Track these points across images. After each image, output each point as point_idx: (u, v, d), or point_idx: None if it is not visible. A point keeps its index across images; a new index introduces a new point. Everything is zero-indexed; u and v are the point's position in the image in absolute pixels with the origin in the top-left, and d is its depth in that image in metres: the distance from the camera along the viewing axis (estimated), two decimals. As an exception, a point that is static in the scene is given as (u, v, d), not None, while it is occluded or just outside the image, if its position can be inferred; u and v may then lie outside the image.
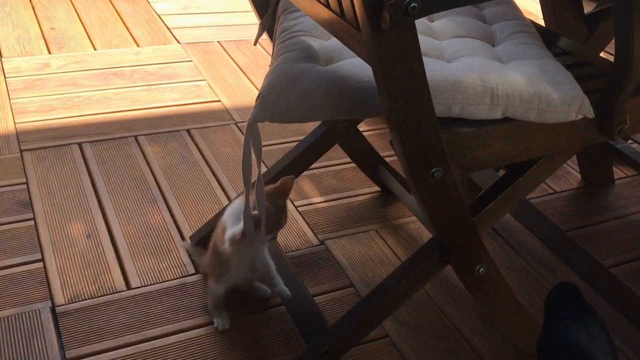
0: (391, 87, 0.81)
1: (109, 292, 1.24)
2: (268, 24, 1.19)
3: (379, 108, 0.90)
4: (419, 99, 0.83)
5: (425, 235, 1.46)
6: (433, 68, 0.93)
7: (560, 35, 1.20)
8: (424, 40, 0.95)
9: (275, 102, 0.94)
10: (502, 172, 1.47)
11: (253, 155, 0.96)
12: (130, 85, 1.95)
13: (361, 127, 1.51)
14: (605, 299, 1.30)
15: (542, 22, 1.37)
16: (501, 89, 0.93)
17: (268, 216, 1.06)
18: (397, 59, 0.79)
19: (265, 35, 1.23)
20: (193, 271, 1.30)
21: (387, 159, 1.58)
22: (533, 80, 0.94)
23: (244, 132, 0.96)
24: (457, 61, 0.99)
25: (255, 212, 1.05)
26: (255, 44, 1.18)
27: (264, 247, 1.14)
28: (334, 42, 1.04)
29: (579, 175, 1.69)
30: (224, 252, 1.12)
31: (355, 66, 0.96)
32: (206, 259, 1.21)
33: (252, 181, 1.01)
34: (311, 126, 1.69)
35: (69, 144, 1.66)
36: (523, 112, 0.94)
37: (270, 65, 1.06)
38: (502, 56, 1.02)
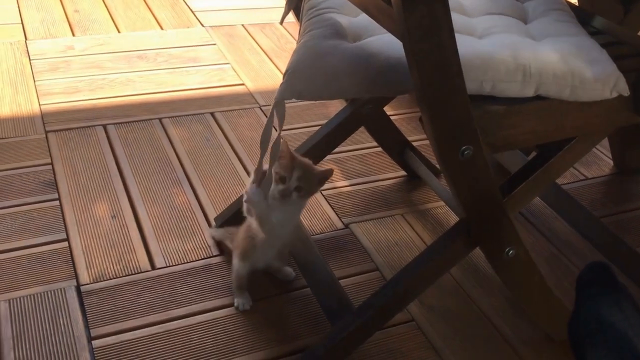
0: (422, 63, 0.81)
1: (133, 272, 1.26)
2: (294, 2, 1.20)
3: (408, 85, 0.90)
4: (450, 75, 0.83)
5: (453, 220, 1.45)
6: (464, 44, 0.93)
7: (595, 15, 1.19)
8: (455, 17, 0.94)
9: (303, 79, 0.95)
10: (532, 156, 1.46)
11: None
12: (155, 68, 1.97)
13: (387, 110, 1.51)
14: (639, 286, 1.29)
15: (575, 3, 1.35)
16: (534, 66, 0.93)
17: (295, 177, 1.06)
18: (428, 34, 0.79)
19: (291, 17, 1.23)
20: (217, 253, 1.32)
21: (414, 143, 1.58)
22: (567, 57, 0.94)
23: (271, 108, 0.97)
24: (488, 38, 0.99)
25: (266, 167, 1.06)
26: (281, 23, 1.18)
27: (289, 207, 1.10)
28: (362, 19, 1.04)
29: (610, 162, 1.68)
30: (253, 231, 1.14)
31: (385, 42, 0.96)
32: (237, 236, 1.22)
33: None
34: (335, 109, 1.69)
35: (94, 125, 1.69)
36: (556, 89, 0.93)
37: (297, 43, 1.07)
38: (534, 33, 1.02)
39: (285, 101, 0.96)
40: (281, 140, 1.02)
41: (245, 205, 1.13)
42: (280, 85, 0.97)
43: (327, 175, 1.12)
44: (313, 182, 1.09)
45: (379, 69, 0.93)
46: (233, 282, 1.21)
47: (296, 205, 1.12)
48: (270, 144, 1.00)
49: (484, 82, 0.92)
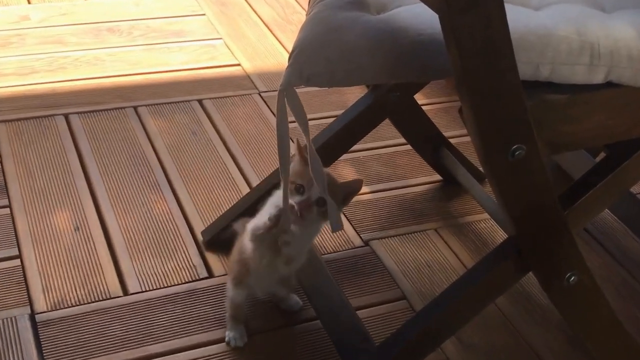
0: (463, 40, 0.81)
1: (101, 298, 1.26)
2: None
3: (444, 67, 0.90)
4: (498, 56, 0.83)
5: (499, 237, 1.45)
6: (516, 17, 0.92)
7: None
8: (504, -17, 0.95)
9: (313, 60, 0.95)
10: (600, 158, 1.45)
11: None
12: (129, 44, 1.98)
13: (419, 98, 1.51)
14: None
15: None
16: (604, 45, 0.92)
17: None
18: (472, 4, 0.79)
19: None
20: (205, 274, 1.32)
21: (451, 140, 1.57)
22: (646, 34, 0.94)
23: (277, 101, 0.97)
24: (547, 9, 0.98)
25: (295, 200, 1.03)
26: None
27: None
28: (388, -15, 1.04)
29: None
30: (246, 251, 1.14)
31: (416, 14, 0.96)
32: (230, 256, 1.22)
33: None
34: (353, 96, 1.69)
35: (53, 114, 1.69)
36: (631, 74, 0.93)
37: (306, 15, 1.07)
38: (605, 4, 1.01)
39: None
40: (293, 140, 1.01)
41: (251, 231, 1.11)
42: (286, 68, 0.97)
43: (355, 188, 1.10)
44: (337, 196, 1.07)
45: (408, 47, 0.93)
46: (227, 310, 1.21)
47: (314, 227, 1.10)
48: (292, 151, 0.99)
49: (541, 65, 0.91)
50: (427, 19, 0.93)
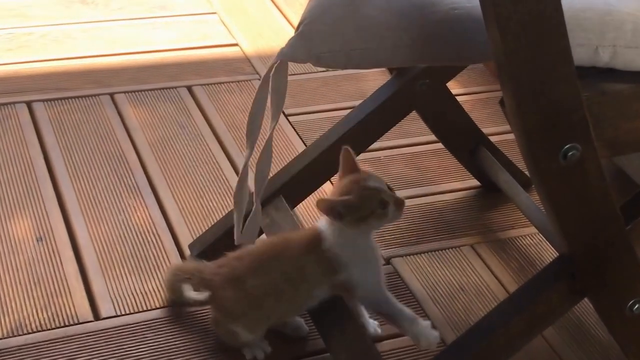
0: (506, 16, 0.81)
1: (67, 323, 1.26)
2: None
3: (484, 49, 0.90)
4: (549, 37, 0.83)
5: (549, 255, 1.45)
6: (571, -10, 0.92)
7: None
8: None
9: (325, 34, 0.95)
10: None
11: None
12: (105, 19, 1.99)
13: (452, 87, 1.51)
14: None
15: None
16: (677, 24, 0.92)
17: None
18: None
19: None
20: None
21: (492, 138, 1.57)
22: None
23: (267, 71, 0.97)
24: (608, -19, 0.98)
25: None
26: None
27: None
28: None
29: None
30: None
31: (450, -15, 0.96)
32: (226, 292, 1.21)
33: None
34: (373, 84, 1.69)
35: (14, 102, 1.70)
36: None
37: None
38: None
39: (291, 70, 0.96)
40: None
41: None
42: (291, 39, 0.96)
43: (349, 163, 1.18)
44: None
45: (440, 24, 0.93)
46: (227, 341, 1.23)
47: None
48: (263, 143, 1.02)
49: (600, 48, 0.92)
50: (464, -10, 0.94)
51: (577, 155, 0.90)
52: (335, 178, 1.50)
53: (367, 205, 1.13)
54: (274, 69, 0.97)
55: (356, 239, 1.16)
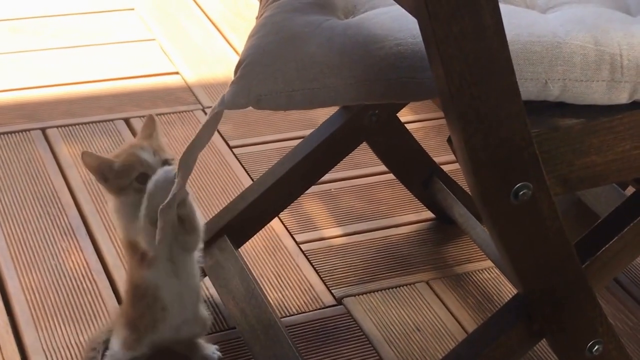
0: (449, 54, 0.81)
1: (-3, 379, 1.25)
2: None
3: (430, 86, 0.90)
4: (495, 72, 0.84)
5: (507, 290, 1.46)
6: (518, 22, 0.93)
7: None
8: (503, -21, 0.96)
9: (265, 76, 0.95)
10: (630, 190, 1.46)
11: None
12: (37, 48, 1.97)
13: (404, 115, 1.52)
14: None
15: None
16: (628, 57, 0.93)
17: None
18: (460, 6, 0.80)
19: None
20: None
21: (445, 167, 1.58)
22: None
23: (207, 119, 0.98)
24: (556, 10, 0.99)
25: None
26: None
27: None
28: (360, -19, 1.05)
29: None
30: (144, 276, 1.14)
31: (394, 19, 0.96)
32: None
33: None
34: (323, 114, 1.69)
35: (-62, 140, 1.69)
36: (663, 93, 0.94)
37: (257, 18, 1.07)
38: (629, 4, 1.03)
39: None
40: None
41: None
42: (231, 84, 0.97)
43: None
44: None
45: (385, 61, 0.93)
46: None
47: None
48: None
49: (549, 81, 0.92)
50: (407, 25, 0.94)
51: (529, 194, 0.90)
52: (283, 214, 1.52)
53: (126, 174, 1.12)
54: (218, 118, 0.98)
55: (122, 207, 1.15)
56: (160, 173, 1.11)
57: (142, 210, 1.11)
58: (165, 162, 1.13)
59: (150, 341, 1.20)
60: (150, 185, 1.10)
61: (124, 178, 1.12)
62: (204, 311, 1.25)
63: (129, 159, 1.12)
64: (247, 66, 0.97)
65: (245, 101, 0.96)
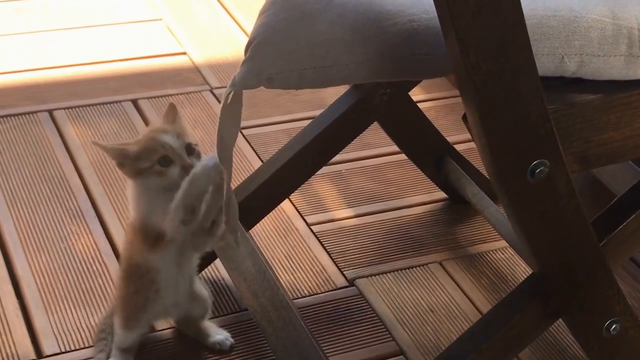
0: (465, 29, 0.81)
1: (8, 363, 1.26)
2: None
3: (444, 63, 0.90)
4: (511, 47, 0.83)
5: (522, 270, 1.46)
6: (534, -3, 0.93)
7: None
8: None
9: (274, 55, 0.95)
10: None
11: None
12: (41, 29, 1.97)
13: (415, 93, 1.52)
14: None
15: None
16: (646, 30, 0.93)
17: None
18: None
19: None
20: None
21: (458, 147, 1.58)
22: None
23: (222, 106, 0.97)
24: (572, -15, 0.99)
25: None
26: None
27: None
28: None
29: None
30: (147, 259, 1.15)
31: (407, -5, 0.96)
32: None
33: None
34: (332, 94, 1.69)
35: (-57, 123, 1.69)
36: (682, 67, 0.94)
37: (266, -3, 1.07)
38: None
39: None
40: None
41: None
42: (240, 66, 0.97)
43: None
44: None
45: (398, 38, 0.93)
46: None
47: None
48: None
49: (566, 57, 0.92)
50: (421, 0, 0.94)
51: (546, 172, 0.91)
52: (294, 195, 1.52)
53: (146, 157, 1.12)
54: (232, 103, 0.97)
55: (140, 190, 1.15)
56: (207, 159, 1.10)
57: (178, 194, 1.10)
58: (189, 147, 1.13)
59: (145, 320, 1.22)
60: (196, 170, 1.10)
61: (145, 161, 1.11)
62: (204, 291, 1.26)
63: (150, 142, 1.12)
64: (257, 46, 0.97)
65: (257, 81, 0.96)
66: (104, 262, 1.42)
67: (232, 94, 0.97)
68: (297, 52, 0.94)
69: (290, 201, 1.55)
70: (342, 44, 0.94)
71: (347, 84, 1.35)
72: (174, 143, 1.12)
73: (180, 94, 1.82)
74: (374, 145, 1.70)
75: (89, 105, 1.76)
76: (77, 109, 1.75)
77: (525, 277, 1.10)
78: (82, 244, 1.45)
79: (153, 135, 1.13)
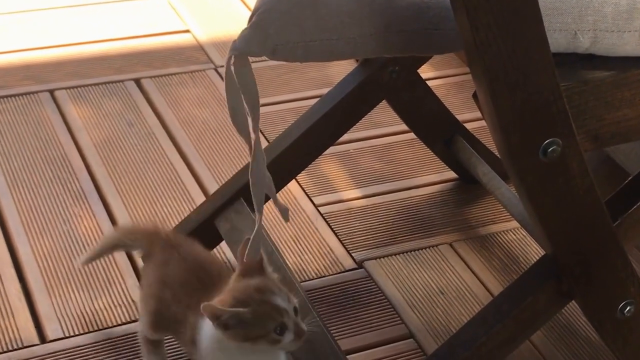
0: (475, 2, 0.81)
1: (11, 348, 1.25)
2: None
3: (454, 38, 0.90)
4: (523, 23, 0.83)
5: (534, 251, 1.46)
6: (546, -29, 0.93)
7: None
8: None
9: (280, 24, 0.94)
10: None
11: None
12: (40, 7, 1.96)
13: (424, 71, 1.51)
14: None
15: None
16: (661, 5, 0.93)
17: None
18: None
19: None
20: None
21: (469, 125, 1.58)
22: None
23: (226, 71, 0.96)
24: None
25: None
26: None
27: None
28: None
29: None
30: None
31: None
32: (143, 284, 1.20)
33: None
34: (339, 71, 1.69)
35: (-58, 104, 1.69)
36: (699, 42, 0.94)
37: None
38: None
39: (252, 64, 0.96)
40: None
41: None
42: (243, 30, 0.95)
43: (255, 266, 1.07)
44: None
45: (407, 11, 0.93)
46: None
47: None
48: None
49: (579, 32, 0.92)
50: (431, -26, 0.94)
51: (558, 150, 0.90)
52: (300, 176, 1.52)
53: (261, 325, 1.00)
54: (232, 65, 0.96)
55: (233, 353, 1.05)
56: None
57: None
58: (295, 310, 1.02)
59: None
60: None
61: (259, 328, 1.00)
62: None
63: (264, 307, 1.00)
64: (262, 14, 0.95)
65: (260, 49, 0.94)
66: (107, 244, 1.43)
67: (233, 59, 0.95)
68: (303, 24, 0.93)
69: (297, 182, 1.55)
70: (350, 16, 0.93)
71: (354, 58, 1.34)
72: (287, 307, 1.01)
73: (184, 72, 1.82)
74: (383, 124, 1.69)
75: (90, 85, 1.76)
76: (78, 88, 1.75)
77: (538, 258, 1.09)
78: (85, 226, 1.46)
79: (264, 298, 1.01)
